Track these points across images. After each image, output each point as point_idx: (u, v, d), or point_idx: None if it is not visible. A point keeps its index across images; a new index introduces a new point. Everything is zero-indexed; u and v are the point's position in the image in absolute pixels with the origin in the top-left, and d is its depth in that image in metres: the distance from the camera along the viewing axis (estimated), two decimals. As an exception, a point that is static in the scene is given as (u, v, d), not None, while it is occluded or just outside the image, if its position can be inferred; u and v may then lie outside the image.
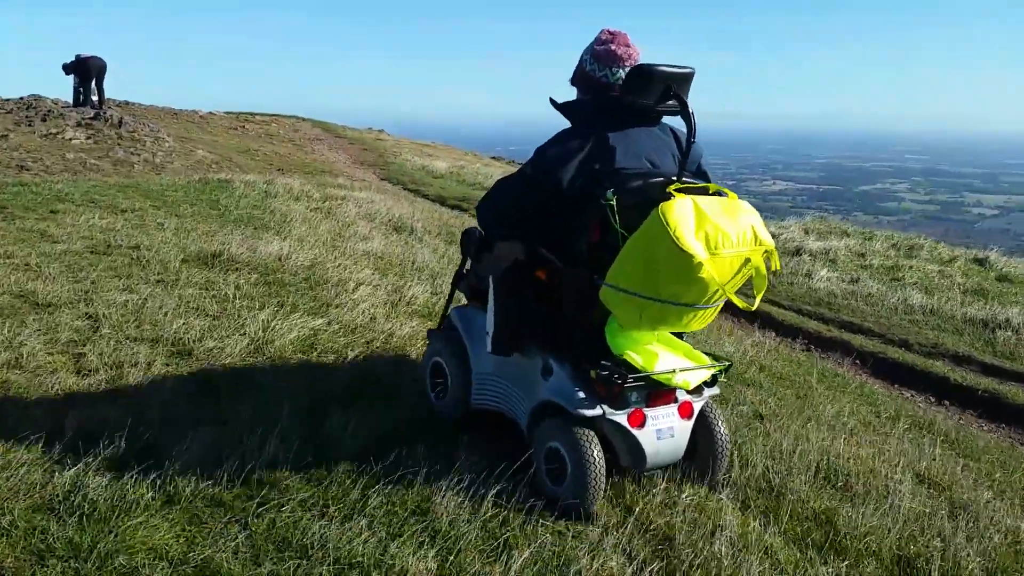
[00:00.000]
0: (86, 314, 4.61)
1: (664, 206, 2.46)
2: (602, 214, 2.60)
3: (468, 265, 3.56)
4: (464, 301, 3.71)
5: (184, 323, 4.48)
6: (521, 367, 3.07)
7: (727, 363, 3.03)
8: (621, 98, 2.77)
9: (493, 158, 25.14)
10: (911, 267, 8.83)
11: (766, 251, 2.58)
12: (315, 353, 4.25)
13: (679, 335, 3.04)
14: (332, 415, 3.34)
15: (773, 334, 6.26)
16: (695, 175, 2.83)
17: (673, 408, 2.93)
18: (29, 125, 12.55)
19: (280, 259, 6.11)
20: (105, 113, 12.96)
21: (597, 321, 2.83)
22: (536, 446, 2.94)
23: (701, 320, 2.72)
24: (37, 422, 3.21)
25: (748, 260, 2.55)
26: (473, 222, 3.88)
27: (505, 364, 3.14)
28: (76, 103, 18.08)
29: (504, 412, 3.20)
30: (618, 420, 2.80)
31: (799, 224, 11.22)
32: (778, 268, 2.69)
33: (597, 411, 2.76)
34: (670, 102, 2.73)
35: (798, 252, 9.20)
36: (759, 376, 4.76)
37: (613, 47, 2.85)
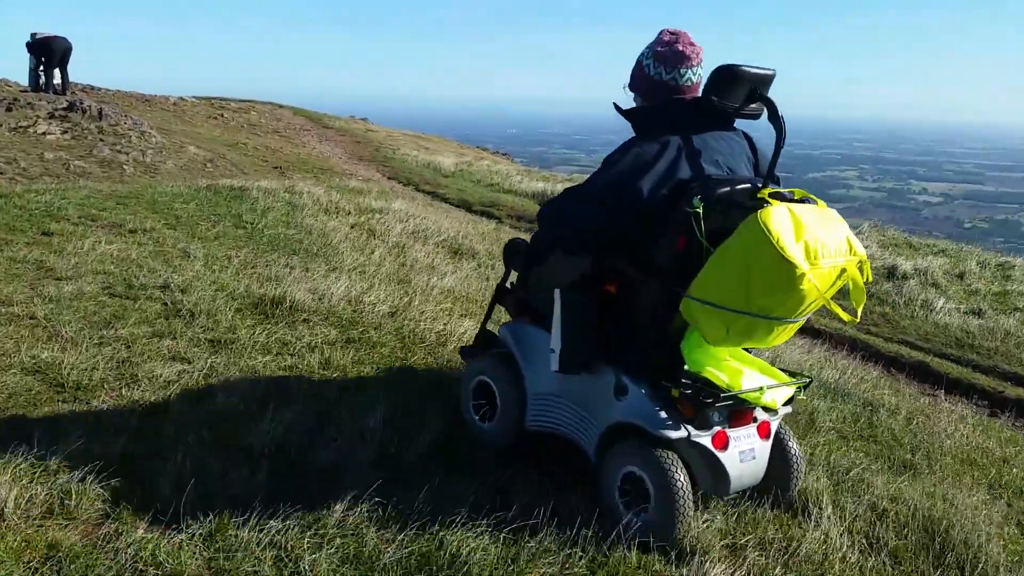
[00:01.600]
0: (134, 403, 3.40)
1: (763, 213, 2.33)
2: (687, 223, 2.47)
3: (512, 279, 3.43)
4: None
5: (276, 421, 3.29)
6: (588, 386, 2.89)
7: (807, 379, 2.90)
8: (704, 100, 2.62)
9: (482, 149, 23.90)
10: (1020, 293, 7.91)
11: (860, 261, 2.47)
12: (463, 472, 3.09)
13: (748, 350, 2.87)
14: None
15: (943, 393, 5.25)
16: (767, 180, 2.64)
17: (753, 428, 2.79)
18: (-8, 116, 10.97)
19: (351, 303, 4.94)
20: (82, 103, 11.44)
21: (673, 336, 2.69)
22: (607, 472, 2.78)
23: (785, 334, 2.60)
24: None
25: (843, 271, 2.44)
26: (511, 233, 3.56)
27: (568, 383, 2.95)
28: (35, 87, 16.46)
29: (564, 435, 3.00)
30: (702, 442, 2.66)
31: (866, 234, 10.25)
32: (870, 279, 2.53)
33: (681, 433, 2.61)
34: (752, 105, 2.63)
35: (893, 274, 8.23)
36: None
37: (679, 47, 2.71)
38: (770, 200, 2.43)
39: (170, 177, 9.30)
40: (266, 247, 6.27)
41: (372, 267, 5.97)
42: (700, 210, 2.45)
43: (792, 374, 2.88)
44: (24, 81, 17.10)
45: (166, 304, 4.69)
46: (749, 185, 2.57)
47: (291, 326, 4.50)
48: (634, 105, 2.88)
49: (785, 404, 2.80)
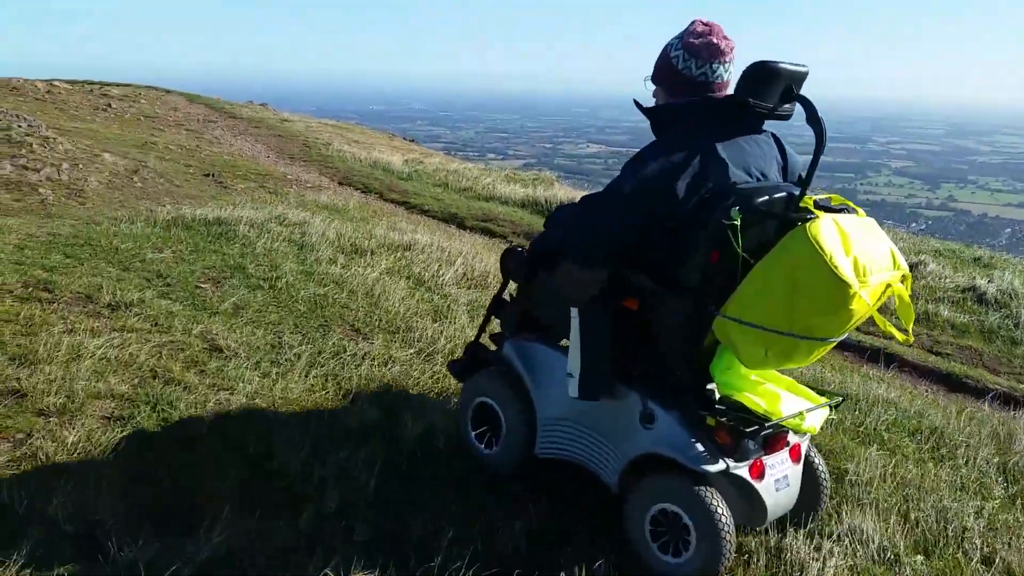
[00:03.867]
0: None
1: (812, 227, 2.17)
2: (722, 236, 2.29)
3: (510, 290, 3.26)
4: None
5: None
6: (609, 412, 2.66)
7: (840, 398, 2.75)
8: (739, 100, 2.39)
9: (407, 139, 21.92)
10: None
11: (903, 275, 2.32)
12: None
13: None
14: None
15: None
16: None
17: (785, 453, 2.62)
18: None
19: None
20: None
21: (702, 357, 2.53)
22: (635, 508, 2.57)
23: (821, 353, 2.44)
24: None
25: (888, 286, 2.29)
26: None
27: (586, 408, 2.71)
28: None
29: (581, 463, 2.77)
30: (740, 474, 2.47)
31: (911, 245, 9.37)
32: (910, 292, 2.35)
33: (720, 465, 2.42)
34: (787, 105, 2.42)
35: (983, 299, 7.31)
36: None
37: (714, 39, 2.49)
38: (815, 211, 2.32)
39: (103, 202, 7.21)
40: (311, 320, 4.56)
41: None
42: (738, 222, 2.26)
43: (820, 392, 2.72)
44: None
45: (254, 468, 3.03)
46: (786, 194, 2.42)
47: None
48: (654, 100, 2.64)
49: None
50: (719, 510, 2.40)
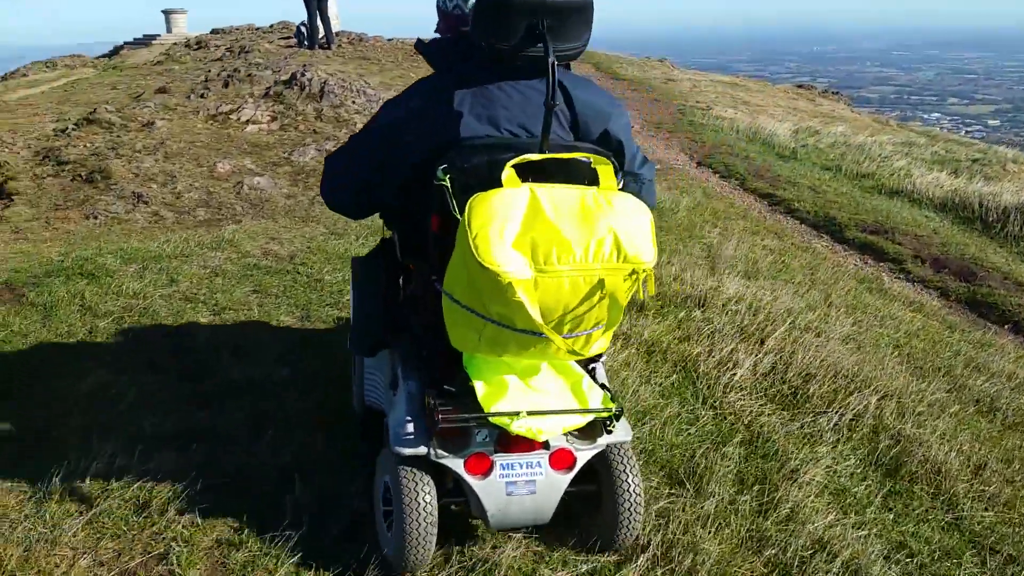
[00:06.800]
0: None
1: (475, 199, 1.85)
2: (440, 198, 1.96)
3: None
4: None
5: None
6: (384, 369, 2.57)
7: (615, 411, 2.22)
8: (472, 40, 2.02)
9: (807, 88, 18.69)
10: None
11: (633, 271, 1.85)
12: None
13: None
14: None
15: None
16: (600, 148, 2.05)
17: (541, 457, 2.25)
18: (202, 95, 8.74)
19: None
20: (303, 73, 8.78)
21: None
22: (377, 474, 2.43)
23: (546, 351, 1.95)
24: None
25: (601, 282, 1.84)
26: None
27: (378, 361, 2.61)
28: (300, 42, 14.64)
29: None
30: (449, 465, 2.18)
31: None
32: (652, 292, 1.91)
33: (419, 449, 2.18)
34: (539, 45, 1.92)
35: None
36: None
37: None
38: (503, 179, 1.88)
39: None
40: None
41: None
42: (446, 183, 1.93)
43: (612, 399, 2.24)
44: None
45: None
46: (512, 154, 1.95)
47: None
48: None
49: (610, 432, 2.25)
50: (413, 494, 2.16)
